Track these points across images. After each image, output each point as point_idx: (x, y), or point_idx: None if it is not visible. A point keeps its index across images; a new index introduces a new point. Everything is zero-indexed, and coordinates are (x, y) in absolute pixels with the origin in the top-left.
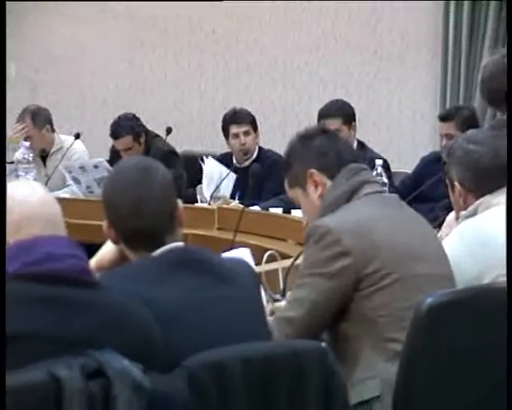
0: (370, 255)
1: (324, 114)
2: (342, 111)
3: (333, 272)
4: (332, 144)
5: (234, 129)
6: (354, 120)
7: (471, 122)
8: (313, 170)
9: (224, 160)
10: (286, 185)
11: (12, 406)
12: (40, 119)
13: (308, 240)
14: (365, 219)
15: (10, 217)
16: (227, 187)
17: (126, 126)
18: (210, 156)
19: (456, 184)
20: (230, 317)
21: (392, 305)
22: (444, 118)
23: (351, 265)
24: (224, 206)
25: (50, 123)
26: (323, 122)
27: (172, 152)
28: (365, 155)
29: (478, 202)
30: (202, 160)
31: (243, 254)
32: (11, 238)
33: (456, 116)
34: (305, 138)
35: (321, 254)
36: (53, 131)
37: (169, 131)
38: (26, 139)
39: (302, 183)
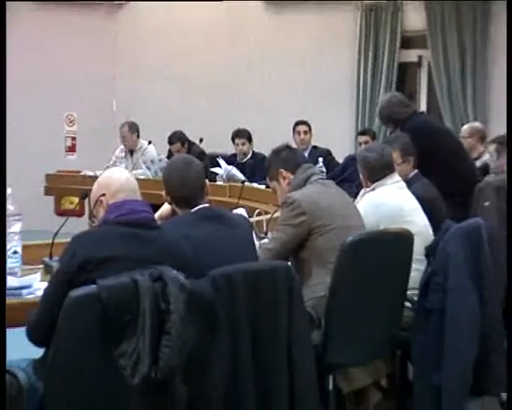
0: (318, 214)
1: (298, 123)
2: (308, 123)
3: (296, 224)
4: (292, 154)
5: (237, 140)
6: (311, 130)
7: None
8: (282, 170)
9: (232, 158)
10: (267, 180)
11: (109, 297)
12: (133, 128)
13: (283, 205)
14: (314, 194)
15: (109, 188)
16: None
17: (177, 137)
18: (220, 156)
19: (361, 175)
20: (236, 247)
21: (331, 242)
22: (362, 133)
23: (306, 220)
24: (232, 183)
25: (138, 131)
26: (297, 128)
27: (202, 153)
28: (316, 153)
29: (373, 185)
30: (218, 157)
31: (242, 211)
32: (110, 201)
33: (369, 132)
34: (276, 151)
35: (289, 213)
36: (138, 137)
37: (201, 140)
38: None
39: (276, 178)
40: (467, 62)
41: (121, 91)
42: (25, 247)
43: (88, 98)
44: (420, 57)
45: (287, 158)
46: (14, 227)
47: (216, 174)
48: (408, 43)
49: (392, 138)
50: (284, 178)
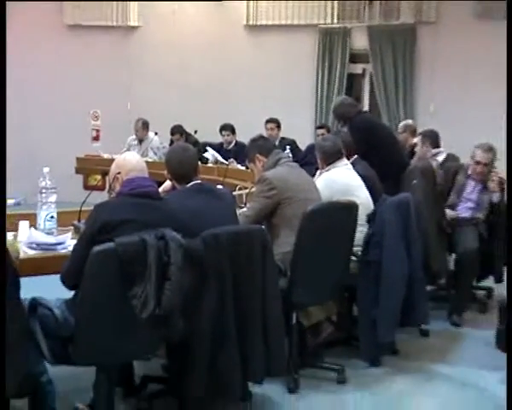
0: (285, 189)
1: (268, 121)
2: (276, 120)
3: (268, 196)
4: (266, 141)
5: (223, 132)
6: (280, 125)
7: (330, 129)
8: (258, 154)
9: (219, 146)
10: (247, 162)
11: (123, 252)
12: (145, 124)
13: (258, 182)
14: (283, 173)
15: (124, 167)
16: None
17: (177, 129)
18: (209, 145)
19: (318, 159)
20: (221, 214)
21: (296, 211)
22: (320, 127)
23: (276, 193)
24: (219, 165)
25: (148, 126)
26: (267, 125)
27: (196, 141)
28: (284, 142)
29: (328, 167)
30: (207, 146)
31: (220, 187)
32: (124, 177)
33: (325, 126)
34: (253, 140)
35: (263, 188)
36: (147, 130)
37: (195, 132)
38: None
39: (253, 161)
40: (399, 74)
41: (135, 94)
42: (59, 213)
43: (109, 99)
44: (364, 70)
45: (261, 145)
46: (51, 198)
47: (207, 158)
48: (355, 58)
49: (339, 135)
50: (259, 161)
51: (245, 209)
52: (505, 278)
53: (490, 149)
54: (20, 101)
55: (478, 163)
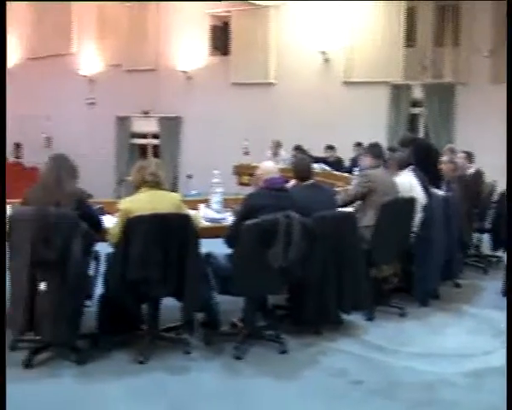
0: (375, 184)
1: (356, 144)
2: (360, 144)
3: (363, 186)
4: (375, 148)
5: (328, 150)
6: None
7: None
8: (369, 156)
9: (323, 158)
10: (363, 156)
11: (263, 225)
12: (278, 144)
13: (360, 175)
14: (377, 174)
15: (265, 171)
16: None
17: (297, 147)
18: (317, 158)
19: (390, 165)
20: (326, 203)
21: (379, 199)
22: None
23: (369, 185)
24: (323, 171)
25: (280, 145)
26: (355, 147)
27: (310, 155)
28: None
29: (399, 172)
30: (317, 158)
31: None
32: (264, 177)
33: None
34: (372, 145)
35: (362, 179)
36: (280, 147)
37: (309, 149)
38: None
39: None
40: (443, 115)
41: (271, 125)
42: (224, 199)
43: (255, 130)
44: (420, 112)
45: (373, 150)
46: (218, 189)
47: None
48: (414, 104)
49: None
50: (368, 160)
51: (347, 188)
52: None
53: None
54: (208, 135)
55: None
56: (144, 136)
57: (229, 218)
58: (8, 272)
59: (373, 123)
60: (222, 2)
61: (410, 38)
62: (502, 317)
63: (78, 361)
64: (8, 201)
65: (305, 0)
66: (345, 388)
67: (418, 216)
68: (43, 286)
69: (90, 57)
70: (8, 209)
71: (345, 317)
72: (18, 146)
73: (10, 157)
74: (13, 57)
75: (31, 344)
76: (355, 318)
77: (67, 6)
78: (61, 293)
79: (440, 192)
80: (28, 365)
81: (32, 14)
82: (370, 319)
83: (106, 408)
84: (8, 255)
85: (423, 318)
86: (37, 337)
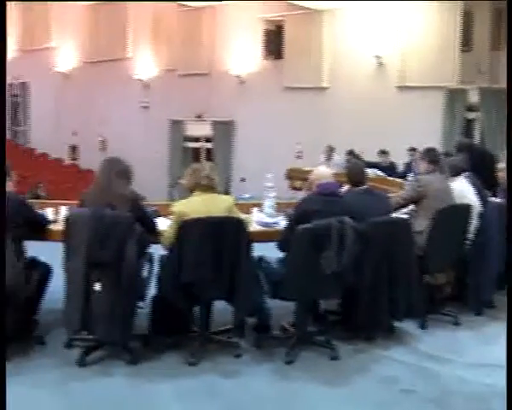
0: (428, 189)
1: (410, 149)
2: (414, 149)
3: (416, 190)
4: (430, 153)
5: (381, 155)
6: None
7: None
8: (424, 160)
9: (376, 163)
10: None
11: (316, 229)
12: (331, 148)
13: (415, 180)
14: (431, 179)
15: (319, 176)
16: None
17: (350, 152)
18: (370, 163)
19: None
20: (379, 207)
21: (432, 205)
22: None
23: (422, 191)
24: (376, 176)
25: (333, 150)
26: (409, 152)
27: (363, 160)
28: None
29: (453, 178)
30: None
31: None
32: (318, 182)
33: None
34: (427, 151)
35: (415, 184)
36: (333, 152)
37: (362, 152)
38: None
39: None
40: (499, 120)
41: (325, 130)
42: (278, 203)
43: (307, 133)
44: (476, 117)
45: (429, 155)
46: (271, 194)
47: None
48: (469, 109)
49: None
50: (423, 165)
51: (400, 193)
52: None
53: None
54: (261, 138)
55: None
56: (197, 139)
57: (281, 222)
58: (64, 273)
59: (427, 128)
60: (276, 7)
61: (466, 42)
62: None
63: (131, 361)
64: (64, 202)
65: (358, 3)
66: (396, 396)
67: (473, 223)
68: (97, 287)
69: (145, 62)
70: (65, 210)
71: (397, 324)
72: (74, 148)
73: (66, 159)
74: (71, 61)
75: (84, 343)
76: (407, 325)
77: (124, 12)
78: (115, 294)
79: (497, 199)
80: (82, 363)
81: (89, 19)
82: (423, 327)
83: (157, 408)
84: (64, 256)
85: (477, 327)
86: (91, 337)
